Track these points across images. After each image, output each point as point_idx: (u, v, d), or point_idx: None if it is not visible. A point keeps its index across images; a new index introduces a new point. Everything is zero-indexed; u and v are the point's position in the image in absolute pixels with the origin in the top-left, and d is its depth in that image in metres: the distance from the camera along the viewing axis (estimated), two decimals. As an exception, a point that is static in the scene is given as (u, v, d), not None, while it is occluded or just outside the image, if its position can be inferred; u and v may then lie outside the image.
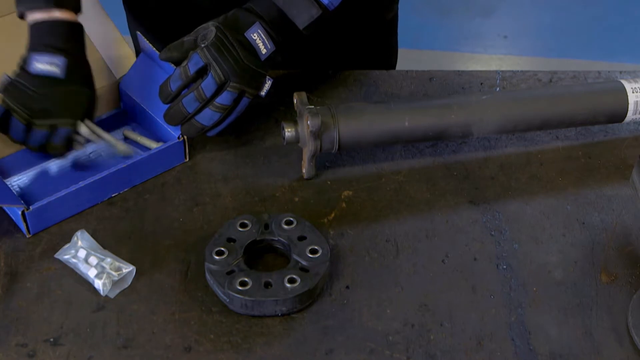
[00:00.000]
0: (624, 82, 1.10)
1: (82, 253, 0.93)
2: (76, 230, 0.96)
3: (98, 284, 0.91)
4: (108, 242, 0.96)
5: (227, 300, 0.89)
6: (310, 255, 0.92)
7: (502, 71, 1.23)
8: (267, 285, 0.89)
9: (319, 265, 0.91)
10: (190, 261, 0.95)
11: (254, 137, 1.11)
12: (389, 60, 1.39)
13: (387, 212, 1.02)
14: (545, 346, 0.87)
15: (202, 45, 0.98)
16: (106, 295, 0.91)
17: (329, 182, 1.06)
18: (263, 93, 1.02)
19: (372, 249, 0.97)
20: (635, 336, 0.87)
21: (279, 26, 1.02)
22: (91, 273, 0.91)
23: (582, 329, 0.89)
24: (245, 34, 1.00)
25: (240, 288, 0.88)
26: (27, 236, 0.96)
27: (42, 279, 0.93)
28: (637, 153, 1.10)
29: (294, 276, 0.90)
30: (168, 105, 1.01)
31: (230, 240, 0.94)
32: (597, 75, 1.23)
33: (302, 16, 1.02)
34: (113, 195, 1.02)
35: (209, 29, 1.00)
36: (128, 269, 0.92)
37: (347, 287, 0.93)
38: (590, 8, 3.15)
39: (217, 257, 0.91)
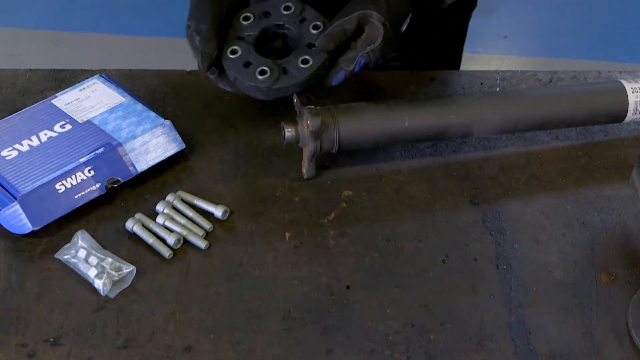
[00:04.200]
0: (624, 82, 1.10)
1: (82, 253, 0.94)
2: (76, 230, 0.96)
3: (98, 284, 0.91)
4: (108, 242, 0.97)
5: (246, 87, 0.98)
6: (314, 32, 1.00)
7: (502, 71, 1.23)
8: (285, 70, 0.98)
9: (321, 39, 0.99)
10: (191, 261, 0.95)
11: (254, 137, 1.11)
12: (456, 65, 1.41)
13: (387, 212, 1.02)
14: (545, 346, 0.87)
15: (369, 49, 0.98)
16: (106, 295, 0.91)
17: (329, 182, 1.06)
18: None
19: (372, 249, 0.97)
20: (635, 336, 0.87)
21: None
22: (91, 273, 0.91)
23: (582, 329, 0.89)
24: (401, 30, 1.01)
25: (260, 78, 0.97)
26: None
27: (42, 279, 0.93)
28: (637, 153, 1.10)
29: (307, 57, 0.98)
30: None
31: (239, 38, 1.01)
32: (597, 75, 1.23)
33: None
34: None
35: (374, 24, 0.98)
36: (128, 269, 0.92)
37: (347, 287, 0.93)
38: (590, 8, 3.15)
39: (232, 56, 0.99)
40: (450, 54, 1.37)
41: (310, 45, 1.01)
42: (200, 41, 0.99)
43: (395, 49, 1.02)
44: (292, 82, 0.98)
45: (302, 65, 0.99)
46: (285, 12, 1.04)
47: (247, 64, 0.99)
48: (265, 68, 0.98)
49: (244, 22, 1.03)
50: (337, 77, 1.01)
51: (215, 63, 1.00)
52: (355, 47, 0.99)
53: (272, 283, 0.93)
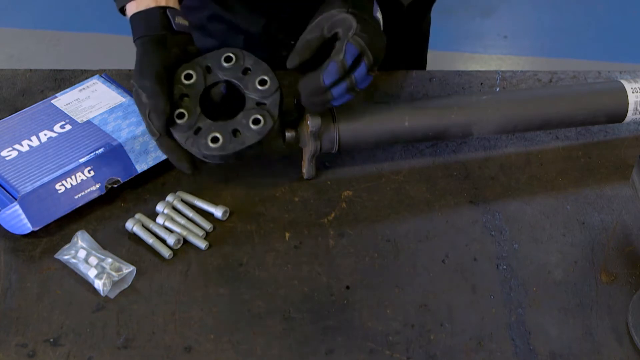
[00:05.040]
0: (624, 82, 1.10)
1: (82, 253, 0.94)
2: (76, 231, 0.96)
3: (98, 284, 0.91)
4: (108, 242, 0.97)
5: (200, 155, 0.94)
6: (261, 88, 0.95)
7: (502, 71, 1.23)
8: (235, 132, 0.94)
9: (273, 96, 0.95)
10: (191, 261, 0.95)
11: (254, 137, 1.11)
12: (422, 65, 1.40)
13: (387, 212, 1.02)
14: (545, 346, 0.87)
15: (350, 34, 0.92)
16: (106, 296, 0.91)
17: (329, 182, 1.06)
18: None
19: (372, 249, 0.97)
20: (635, 336, 0.87)
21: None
22: (91, 273, 0.91)
23: (582, 329, 0.89)
24: (374, 15, 0.96)
25: (213, 146, 0.93)
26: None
27: (42, 279, 0.93)
28: (637, 153, 1.10)
29: (258, 116, 0.94)
30: None
31: (183, 96, 0.96)
32: (597, 75, 1.23)
33: None
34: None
35: (343, 17, 0.93)
36: (128, 269, 0.92)
37: (347, 287, 0.93)
38: (590, 8, 3.15)
39: (179, 121, 0.94)
40: (412, 52, 1.35)
41: (260, 104, 0.96)
42: (147, 98, 0.94)
43: (383, 43, 0.96)
44: (244, 146, 0.93)
45: (253, 126, 0.94)
46: (226, 65, 0.97)
47: (197, 130, 0.94)
48: (216, 135, 0.93)
49: (186, 81, 0.96)
50: (329, 71, 0.93)
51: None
52: (339, 39, 0.93)
53: (272, 283, 0.93)
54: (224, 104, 0.99)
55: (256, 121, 0.94)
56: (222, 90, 0.99)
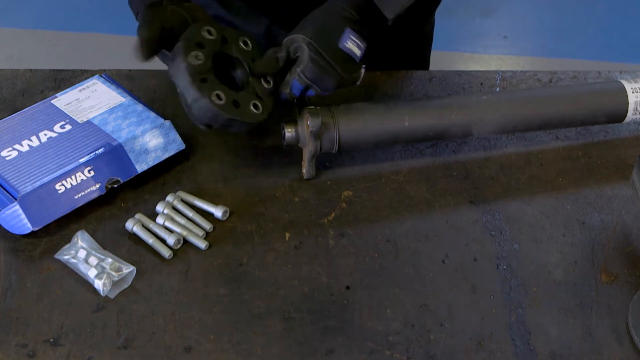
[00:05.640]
0: (624, 82, 1.10)
1: (82, 253, 0.94)
2: (76, 231, 0.96)
3: (98, 284, 0.91)
4: (108, 242, 0.97)
5: (194, 103, 0.94)
6: (264, 85, 0.99)
7: (502, 71, 1.23)
8: (236, 104, 0.96)
9: (270, 97, 1.00)
10: (191, 261, 0.95)
11: (254, 137, 1.11)
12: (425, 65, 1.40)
13: (387, 212, 1.02)
14: (545, 346, 0.87)
15: (299, 70, 0.97)
16: (106, 296, 0.91)
17: (329, 182, 1.06)
18: (358, 82, 1.03)
19: (372, 249, 0.97)
20: (635, 336, 0.87)
21: (364, 15, 1.00)
22: (91, 273, 0.91)
23: (582, 329, 0.89)
24: (339, 46, 0.98)
25: (217, 102, 0.94)
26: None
27: (42, 279, 0.93)
28: (637, 153, 1.10)
29: (258, 103, 0.98)
30: None
31: (199, 45, 0.97)
32: (597, 75, 1.23)
33: (393, 5, 1.00)
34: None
35: (300, 46, 0.98)
36: (128, 269, 0.92)
37: (347, 287, 0.93)
38: (590, 8, 3.15)
39: (191, 60, 0.95)
40: (415, 54, 1.35)
41: (258, 97, 0.99)
42: (137, 31, 0.98)
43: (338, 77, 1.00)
44: (238, 119, 0.96)
45: (253, 109, 0.97)
46: (242, 46, 1.01)
47: (203, 80, 0.95)
48: (222, 94, 0.95)
49: (206, 35, 0.99)
50: (281, 97, 1.01)
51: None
52: (290, 71, 0.99)
53: (272, 283, 0.93)
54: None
55: (256, 106, 0.98)
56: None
